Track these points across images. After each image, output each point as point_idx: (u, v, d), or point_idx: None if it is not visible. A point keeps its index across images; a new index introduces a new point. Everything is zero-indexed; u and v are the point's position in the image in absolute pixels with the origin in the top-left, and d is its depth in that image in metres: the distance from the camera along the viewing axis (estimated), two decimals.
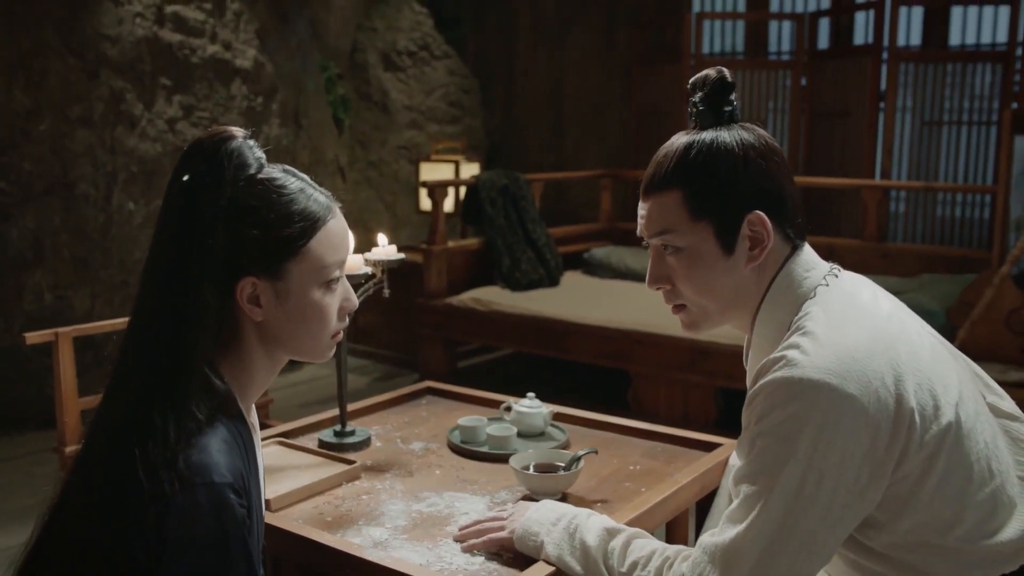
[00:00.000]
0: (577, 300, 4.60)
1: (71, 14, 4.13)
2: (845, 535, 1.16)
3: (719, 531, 1.17)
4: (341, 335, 1.27)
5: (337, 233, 1.21)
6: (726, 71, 1.29)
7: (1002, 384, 3.05)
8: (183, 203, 1.10)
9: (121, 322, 2.60)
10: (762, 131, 1.28)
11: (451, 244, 4.94)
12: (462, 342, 5.02)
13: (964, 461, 1.17)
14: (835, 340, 1.14)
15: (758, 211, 1.23)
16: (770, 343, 1.25)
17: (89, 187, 4.22)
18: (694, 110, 1.29)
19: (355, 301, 1.26)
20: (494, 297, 4.66)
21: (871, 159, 5.48)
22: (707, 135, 1.26)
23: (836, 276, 1.27)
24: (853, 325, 1.17)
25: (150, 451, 1.02)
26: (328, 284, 1.20)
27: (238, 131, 1.15)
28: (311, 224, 1.17)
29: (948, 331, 3.26)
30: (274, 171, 1.17)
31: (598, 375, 4.52)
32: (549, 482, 1.61)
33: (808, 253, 1.28)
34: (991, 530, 1.17)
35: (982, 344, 3.21)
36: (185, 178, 1.10)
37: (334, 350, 1.26)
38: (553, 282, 5.00)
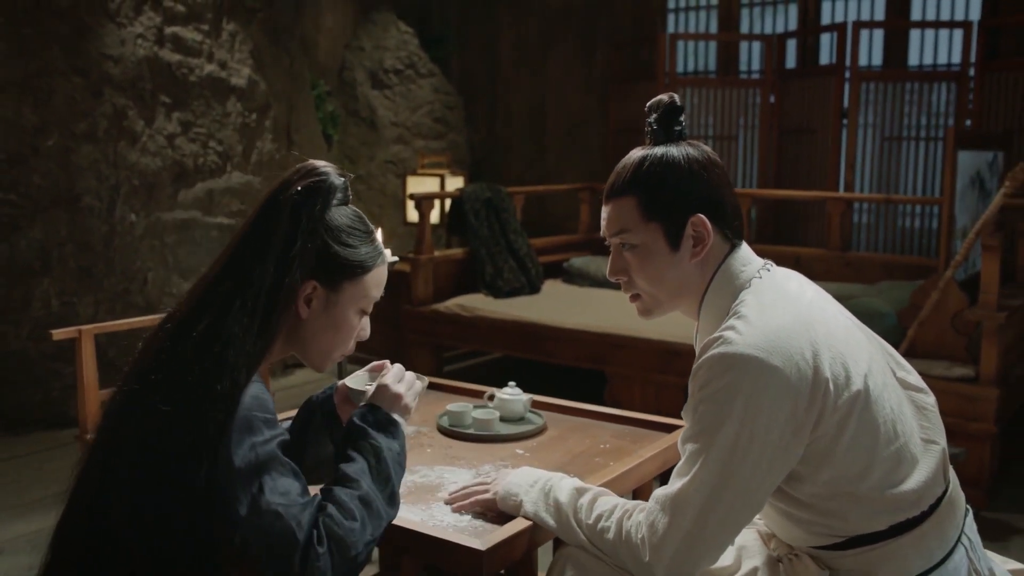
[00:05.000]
0: (557, 306, 4.69)
1: (76, 36, 4.24)
2: (774, 486, 1.33)
3: (669, 484, 1.35)
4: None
5: (383, 275, 1.44)
6: (676, 97, 1.48)
7: (947, 379, 3.29)
8: (291, 208, 1.31)
9: (137, 322, 2.77)
10: (706, 147, 1.47)
11: (437, 254, 5.03)
12: (449, 347, 5.13)
13: (872, 423, 1.33)
14: (764, 322, 1.31)
15: (700, 214, 1.41)
16: (713, 325, 1.41)
17: (93, 200, 4.31)
18: (649, 129, 1.47)
19: (368, 333, 1.47)
20: (478, 304, 4.76)
21: (835, 173, 5.67)
22: (659, 150, 1.44)
23: (768, 270, 1.44)
24: (780, 310, 1.34)
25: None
26: (362, 311, 1.43)
27: (335, 167, 1.38)
28: (373, 259, 1.41)
29: (899, 331, 3.40)
30: (356, 209, 1.41)
31: (577, 376, 4.59)
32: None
33: (744, 250, 1.45)
34: (896, 481, 1.34)
35: (930, 343, 3.33)
36: (299, 188, 1.31)
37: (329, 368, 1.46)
38: (534, 290, 5.09)
